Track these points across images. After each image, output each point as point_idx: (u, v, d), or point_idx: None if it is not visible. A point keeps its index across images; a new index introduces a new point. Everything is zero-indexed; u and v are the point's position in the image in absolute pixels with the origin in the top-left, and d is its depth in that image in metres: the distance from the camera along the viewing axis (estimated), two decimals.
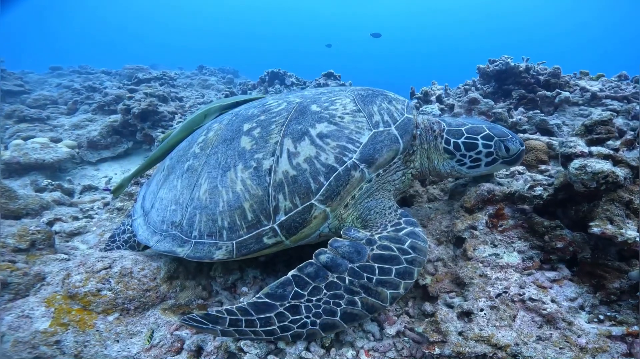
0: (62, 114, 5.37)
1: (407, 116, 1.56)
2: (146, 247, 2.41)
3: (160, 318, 1.55)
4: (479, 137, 1.52)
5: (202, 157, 1.70)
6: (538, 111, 2.26)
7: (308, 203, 1.38)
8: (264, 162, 1.47)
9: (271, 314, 1.23)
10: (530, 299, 1.20)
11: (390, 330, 1.40)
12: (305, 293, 1.22)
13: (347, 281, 1.20)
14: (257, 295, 1.28)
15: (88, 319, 1.46)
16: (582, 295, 1.23)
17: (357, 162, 1.40)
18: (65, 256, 2.17)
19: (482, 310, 1.22)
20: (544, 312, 1.17)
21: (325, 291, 1.21)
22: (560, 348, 1.07)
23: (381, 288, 1.19)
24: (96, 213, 3.17)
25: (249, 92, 5.86)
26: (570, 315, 1.16)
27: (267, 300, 1.26)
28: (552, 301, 1.20)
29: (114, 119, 4.57)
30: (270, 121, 1.58)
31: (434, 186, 2.08)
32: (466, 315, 1.26)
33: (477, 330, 1.17)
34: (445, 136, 1.57)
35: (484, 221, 1.49)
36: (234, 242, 1.45)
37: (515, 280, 1.28)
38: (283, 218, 1.39)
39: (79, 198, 3.66)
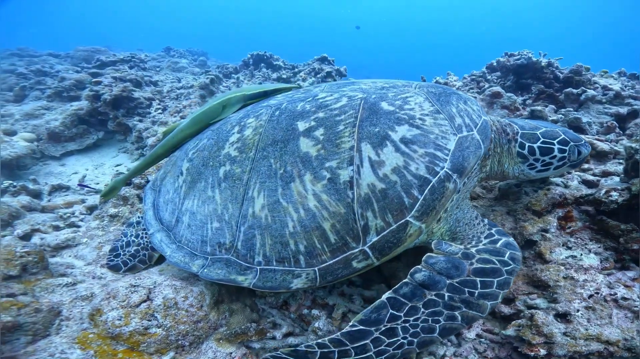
0: (9, 102, 4.50)
1: (484, 118, 1.47)
2: (160, 260, 2.15)
3: (218, 351, 1.36)
4: (555, 142, 1.48)
5: (245, 162, 1.47)
6: (571, 109, 2.32)
7: (403, 220, 1.25)
8: (341, 173, 1.29)
9: (367, 341, 1.14)
10: (623, 298, 1.24)
11: (470, 334, 1.41)
12: (402, 314, 1.16)
13: (446, 298, 1.16)
14: (351, 323, 1.17)
15: None
16: None
17: (450, 172, 1.29)
18: (69, 280, 1.83)
19: (578, 311, 1.25)
20: (635, 309, 1.22)
21: (423, 309, 1.16)
22: None
23: (482, 300, 1.16)
24: (81, 220, 2.73)
25: (233, 75, 5.36)
26: None
27: (361, 327, 1.16)
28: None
29: (78, 107, 3.93)
30: (335, 120, 1.40)
31: None
32: (561, 316, 1.28)
33: (582, 330, 1.20)
34: (519, 140, 1.51)
35: (555, 224, 1.48)
36: (316, 269, 1.28)
37: (602, 280, 1.31)
38: (375, 238, 1.25)
39: (49, 200, 3.14)
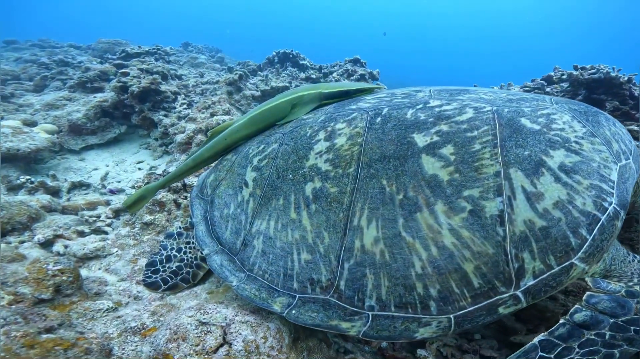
0: (28, 91, 4.22)
1: (635, 143, 1.23)
2: (207, 275, 1.87)
3: None
4: None
5: (344, 180, 1.20)
6: None
7: (567, 262, 1.03)
8: (486, 205, 1.04)
9: None
10: None
11: None
12: (552, 356, 1.02)
13: (607, 336, 1.03)
14: None
15: None
16: None
17: (618, 208, 1.05)
18: (110, 304, 1.55)
19: None
20: None
21: (577, 349, 1.03)
22: None
23: None
24: (108, 225, 2.45)
25: (259, 73, 5.10)
26: None
27: None
28: None
29: (102, 98, 3.65)
30: (467, 137, 1.13)
31: None
32: None
33: None
34: None
35: None
36: (451, 317, 1.03)
37: None
38: (531, 282, 1.04)
39: (68, 199, 2.85)
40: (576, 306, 1.09)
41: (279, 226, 1.30)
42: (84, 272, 2.00)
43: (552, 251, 1.03)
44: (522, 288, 1.03)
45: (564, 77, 2.96)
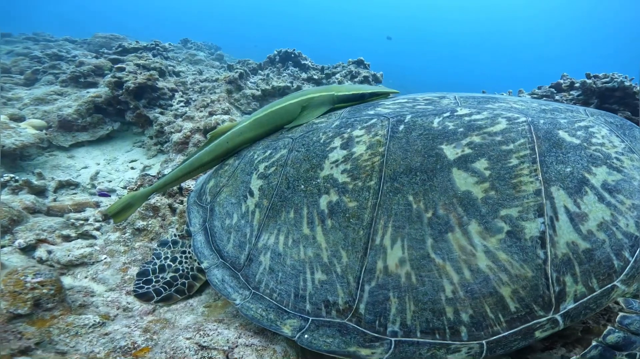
0: (18, 85, 4.02)
1: None
2: (203, 286, 1.74)
3: None
4: None
5: (364, 194, 1.09)
6: None
7: (609, 285, 0.97)
8: (526, 226, 0.94)
9: None
10: None
11: None
12: None
13: (637, 356, 0.98)
14: None
15: None
16: None
17: None
18: (96, 319, 1.40)
19: None
20: None
21: None
22: None
23: None
24: (96, 229, 2.29)
25: (259, 72, 4.97)
26: None
27: None
28: None
29: (96, 94, 3.48)
30: (502, 150, 1.03)
31: None
32: None
33: None
34: None
35: None
36: (483, 342, 0.94)
37: None
38: (571, 306, 0.97)
39: (54, 199, 2.68)
40: (609, 327, 1.06)
41: (289, 242, 1.18)
42: (68, 280, 1.84)
43: (595, 274, 0.96)
44: (562, 311, 0.97)
45: (577, 85, 2.92)
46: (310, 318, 1.07)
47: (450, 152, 1.06)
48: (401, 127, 1.18)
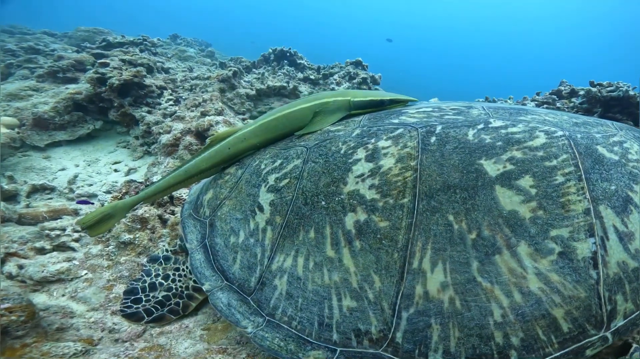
0: None
1: None
2: (199, 305, 1.58)
3: None
4: None
5: (396, 213, 0.99)
6: None
7: None
8: (578, 246, 0.91)
9: None
10: None
11: None
12: None
13: None
14: None
15: None
16: None
17: None
18: (79, 347, 1.21)
19: None
20: None
21: None
22: None
23: None
24: (75, 241, 2.05)
25: (254, 70, 4.81)
26: None
27: None
28: None
29: (75, 90, 3.22)
30: (545, 167, 0.97)
31: None
32: None
33: None
34: None
35: None
36: None
37: None
38: (621, 323, 0.96)
39: (27, 205, 2.41)
40: (634, 345, 1.08)
41: (310, 265, 1.06)
42: (42, 298, 1.63)
43: None
44: (612, 329, 0.96)
45: (581, 92, 2.97)
46: (339, 349, 0.96)
47: (491, 167, 0.98)
48: (433, 139, 1.09)
